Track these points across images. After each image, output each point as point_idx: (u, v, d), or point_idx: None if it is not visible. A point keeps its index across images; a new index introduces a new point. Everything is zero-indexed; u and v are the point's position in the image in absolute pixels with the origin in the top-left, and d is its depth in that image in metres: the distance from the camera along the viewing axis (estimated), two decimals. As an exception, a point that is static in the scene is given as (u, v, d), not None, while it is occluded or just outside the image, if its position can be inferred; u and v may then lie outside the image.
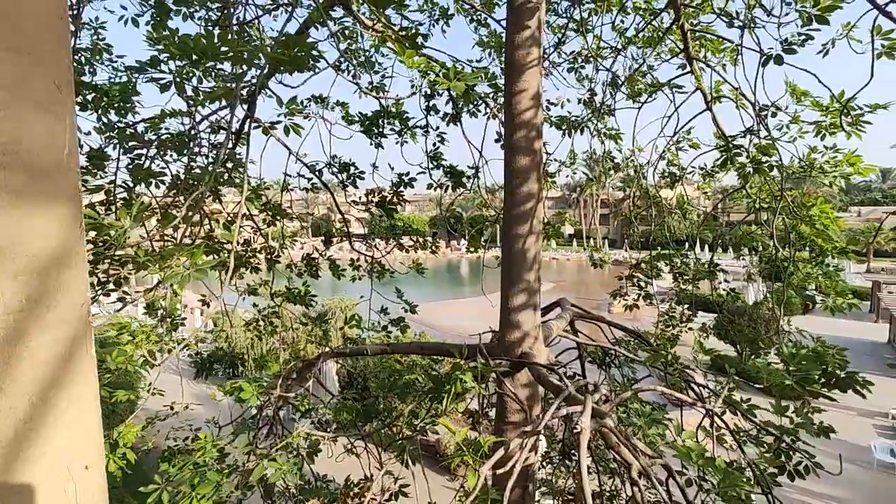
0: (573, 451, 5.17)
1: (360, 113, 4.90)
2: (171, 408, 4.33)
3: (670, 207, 7.14)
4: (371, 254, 5.51)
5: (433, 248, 6.01)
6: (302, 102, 4.90)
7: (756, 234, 6.06)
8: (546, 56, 5.90)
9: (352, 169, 4.96)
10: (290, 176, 4.77)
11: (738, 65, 4.84)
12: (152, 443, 4.13)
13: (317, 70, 3.18)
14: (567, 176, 7.34)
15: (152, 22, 3.82)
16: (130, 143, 3.49)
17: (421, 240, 5.92)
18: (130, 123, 3.76)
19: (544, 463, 5.51)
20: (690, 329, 5.87)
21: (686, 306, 6.32)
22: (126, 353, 2.80)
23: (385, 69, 4.98)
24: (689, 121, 5.18)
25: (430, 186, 5.46)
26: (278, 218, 5.00)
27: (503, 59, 4.27)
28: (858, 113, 4.00)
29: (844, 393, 3.49)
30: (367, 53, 4.81)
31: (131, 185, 3.46)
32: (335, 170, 5.00)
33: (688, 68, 5.04)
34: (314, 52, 2.53)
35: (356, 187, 5.09)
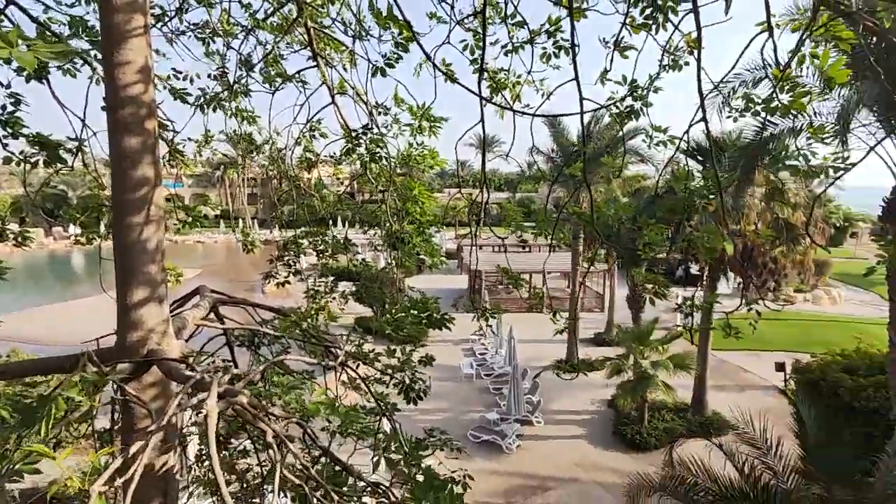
0: (230, 441, 5.08)
1: None
2: None
3: (310, 190, 7.74)
4: None
5: (18, 240, 4.57)
6: None
7: (379, 211, 7.30)
8: (167, 20, 5.28)
9: None
10: None
11: (355, 68, 5.62)
12: None
13: None
14: (203, 154, 6.88)
15: None
16: None
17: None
18: None
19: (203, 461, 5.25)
20: (334, 298, 6.64)
21: (331, 279, 7.09)
22: None
23: None
24: (318, 112, 5.70)
25: (6, 161, 4.13)
26: None
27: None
28: (434, 121, 5.41)
29: (440, 331, 4.88)
30: None
31: None
32: None
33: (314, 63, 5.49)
34: None
35: None
